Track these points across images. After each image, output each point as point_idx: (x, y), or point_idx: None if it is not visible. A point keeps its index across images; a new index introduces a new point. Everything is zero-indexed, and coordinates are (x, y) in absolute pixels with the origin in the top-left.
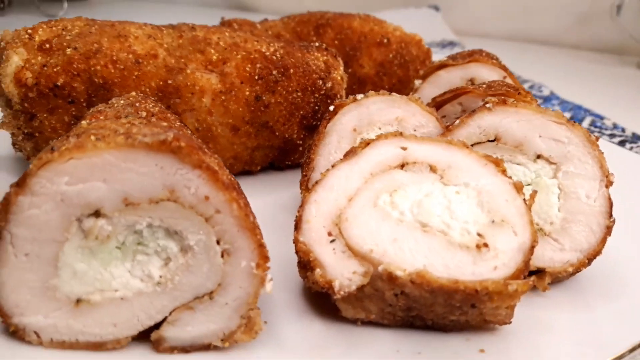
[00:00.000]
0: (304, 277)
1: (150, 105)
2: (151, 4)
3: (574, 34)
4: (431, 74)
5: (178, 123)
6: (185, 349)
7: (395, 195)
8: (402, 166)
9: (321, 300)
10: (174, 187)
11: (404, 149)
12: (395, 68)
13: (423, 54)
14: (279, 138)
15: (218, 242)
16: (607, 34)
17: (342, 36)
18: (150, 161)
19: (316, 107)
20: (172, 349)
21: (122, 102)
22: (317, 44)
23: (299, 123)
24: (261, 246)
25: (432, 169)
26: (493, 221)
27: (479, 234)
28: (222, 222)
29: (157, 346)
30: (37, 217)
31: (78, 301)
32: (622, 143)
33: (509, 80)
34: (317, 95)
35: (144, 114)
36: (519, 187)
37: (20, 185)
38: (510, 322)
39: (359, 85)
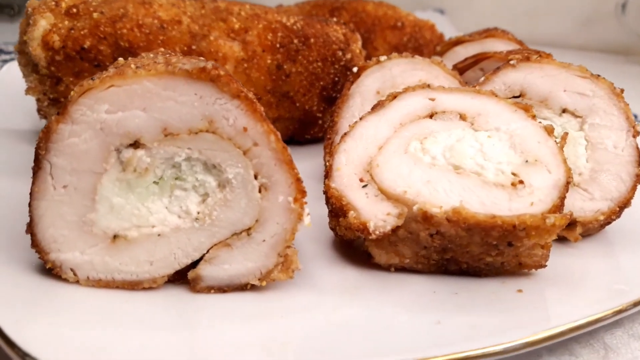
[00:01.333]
0: (335, 226)
1: (180, 56)
2: None
3: (579, 35)
4: (448, 50)
5: None
6: (222, 289)
7: (425, 142)
8: (431, 116)
9: (352, 251)
10: (212, 117)
11: (432, 99)
12: (409, 51)
13: (436, 39)
14: (299, 109)
15: (255, 177)
16: (613, 35)
17: (356, 19)
18: (190, 89)
19: (336, 79)
20: (209, 289)
21: (151, 55)
22: (335, 19)
23: (319, 94)
24: (298, 180)
25: (462, 117)
26: (527, 161)
27: (513, 174)
28: (259, 154)
29: (194, 285)
30: (77, 145)
31: (115, 237)
32: None
33: None
34: (336, 66)
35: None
36: (549, 130)
37: (61, 112)
38: (546, 266)
39: None
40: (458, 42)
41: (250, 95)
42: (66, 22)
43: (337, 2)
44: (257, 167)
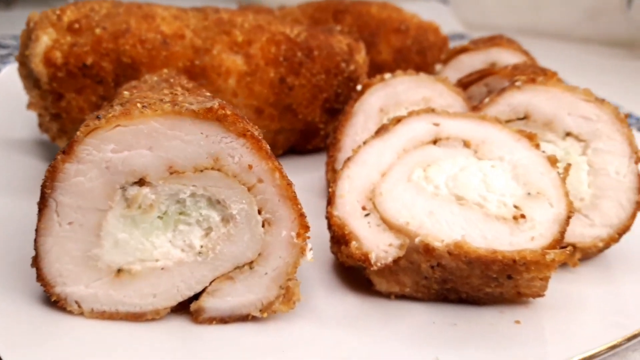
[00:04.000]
0: (337, 252)
1: (185, 82)
2: None
3: (584, 27)
4: (452, 58)
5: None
6: (224, 320)
7: (429, 169)
8: (434, 142)
9: (353, 276)
10: (218, 155)
11: (436, 125)
12: (413, 55)
13: (440, 42)
14: (302, 121)
15: (259, 212)
16: (618, 28)
17: (360, 22)
18: (196, 129)
19: (339, 90)
20: (211, 320)
21: (155, 78)
22: (338, 27)
23: (322, 106)
24: (302, 215)
25: (466, 144)
26: (529, 193)
27: (515, 206)
28: (264, 191)
29: (196, 317)
30: (83, 184)
31: (119, 271)
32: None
33: None
34: (340, 78)
35: (179, 89)
36: (553, 161)
37: (67, 152)
38: (544, 295)
39: (376, 73)
40: (463, 50)
41: (256, 133)
42: (68, 38)
43: (341, 4)
44: (261, 202)
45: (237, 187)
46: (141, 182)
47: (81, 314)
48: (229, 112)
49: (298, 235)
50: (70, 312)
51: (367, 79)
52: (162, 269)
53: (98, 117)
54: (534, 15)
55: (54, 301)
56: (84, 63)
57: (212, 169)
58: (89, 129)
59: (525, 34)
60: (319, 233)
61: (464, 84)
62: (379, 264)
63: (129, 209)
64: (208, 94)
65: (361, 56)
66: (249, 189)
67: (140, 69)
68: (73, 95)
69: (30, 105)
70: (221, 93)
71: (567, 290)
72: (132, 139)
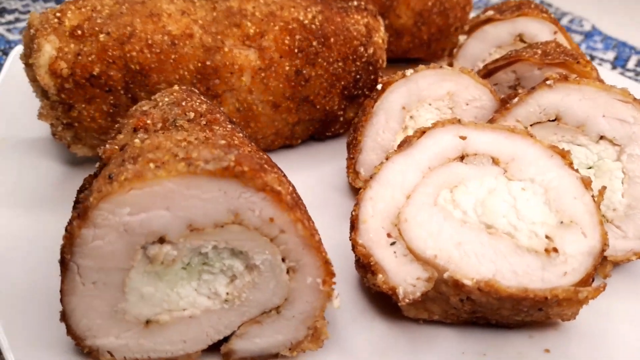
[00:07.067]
0: (362, 275)
1: (197, 103)
2: None
3: None
4: (477, 29)
5: (230, 126)
6: (254, 359)
7: (456, 191)
8: (461, 158)
9: (379, 295)
10: (238, 211)
11: (463, 138)
12: (434, 17)
13: (463, 0)
14: (320, 111)
15: (283, 260)
16: None
17: None
18: (214, 187)
19: (357, 76)
20: None
21: (166, 99)
22: (355, 2)
23: (340, 94)
24: (327, 263)
25: (495, 161)
26: (561, 222)
27: (547, 236)
28: (287, 241)
29: (227, 358)
30: (102, 247)
31: (147, 322)
32: None
33: (559, 37)
34: (358, 63)
35: (192, 114)
36: (587, 183)
37: (82, 218)
38: (574, 318)
39: (396, 37)
40: (487, 20)
41: (276, 186)
42: (72, 46)
43: None
44: (285, 252)
45: (259, 239)
46: (161, 240)
47: None
48: (246, 168)
49: (324, 282)
50: None
51: (388, 77)
52: (190, 317)
53: (110, 177)
54: None
55: (86, 352)
56: (91, 73)
57: (233, 223)
58: (101, 195)
59: None
60: (343, 240)
61: (490, 70)
62: (407, 300)
63: (151, 265)
64: (223, 118)
65: (380, 35)
66: (272, 240)
67: (150, 75)
68: (83, 105)
69: (40, 116)
70: (236, 91)
71: (597, 305)
72: (148, 201)
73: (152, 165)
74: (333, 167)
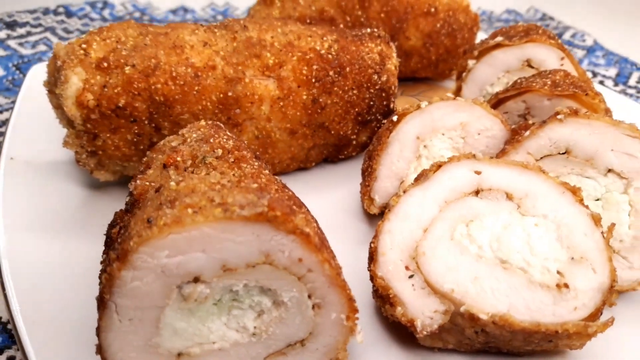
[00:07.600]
0: (380, 305)
1: (224, 140)
2: None
3: None
4: (486, 54)
5: (257, 164)
6: None
7: (472, 226)
8: (476, 192)
9: (396, 322)
10: (269, 252)
11: (478, 172)
12: (442, 38)
13: (471, 21)
14: (334, 136)
15: (309, 297)
16: None
17: (388, 8)
18: (248, 231)
19: (371, 103)
20: None
21: (194, 135)
22: (368, 30)
23: (354, 119)
24: (351, 300)
25: (509, 196)
26: (572, 258)
27: (558, 272)
28: (314, 280)
29: None
30: (140, 288)
31: (179, 354)
32: None
33: (566, 62)
34: (372, 90)
35: (220, 151)
36: (597, 220)
37: (122, 261)
38: (581, 348)
39: (405, 58)
40: (496, 46)
41: (305, 228)
42: (98, 78)
43: None
44: (312, 289)
45: (287, 278)
46: (196, 279)
47: None
48: (278, 213)
49: (348, 318)
50: None
51: (403, 109)
52: (220, 349)
53: (149, 222)
54: None
55: None
56: (117, 105)
57: (264, 263)
58: (142, 240)
59: None
60: (359, 265)
61: (501, 99)
62: (424, 332)
63: (185, 303)
64: (250, 155)
65: (392, 62)
66: (299, 278)
67: (174, 106)
68: (108, 135)
69: (66, 144)
70: (255, 120)
71: (603, 333)
72: (186, 245)
73: (190, 210)
74: (346, 190)
